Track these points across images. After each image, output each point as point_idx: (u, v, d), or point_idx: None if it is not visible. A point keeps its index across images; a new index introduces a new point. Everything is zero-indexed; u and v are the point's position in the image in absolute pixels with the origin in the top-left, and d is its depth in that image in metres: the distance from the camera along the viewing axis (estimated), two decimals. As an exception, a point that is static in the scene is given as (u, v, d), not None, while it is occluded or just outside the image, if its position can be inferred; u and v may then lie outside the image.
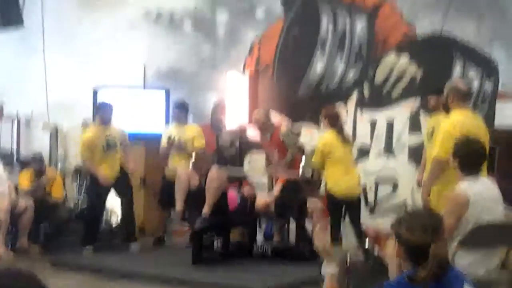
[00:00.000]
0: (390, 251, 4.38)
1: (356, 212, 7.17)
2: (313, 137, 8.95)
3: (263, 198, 7.60)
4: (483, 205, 4.54)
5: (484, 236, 4.65)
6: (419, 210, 4.01)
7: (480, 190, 4.59)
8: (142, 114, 9.62)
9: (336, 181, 7.08)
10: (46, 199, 8.50)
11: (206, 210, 7.27)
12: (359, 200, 7.33)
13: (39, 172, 8.60)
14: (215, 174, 7.42)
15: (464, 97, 5.95)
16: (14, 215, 8.02)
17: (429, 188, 5.64)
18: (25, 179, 8.61)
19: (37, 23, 10.75)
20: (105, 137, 8.24)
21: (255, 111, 8.26)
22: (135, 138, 9.17)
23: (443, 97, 6.24)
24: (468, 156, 4.67)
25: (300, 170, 7.70)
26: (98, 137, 8.21)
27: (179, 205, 7.90)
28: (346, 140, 7.27)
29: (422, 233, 2.74)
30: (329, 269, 3.03)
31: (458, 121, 5.73)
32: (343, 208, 7.10)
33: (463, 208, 4.46)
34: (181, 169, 8.09)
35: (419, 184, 7.64)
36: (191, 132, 8.61)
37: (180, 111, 8.75)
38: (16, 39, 10.77)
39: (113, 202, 8.52)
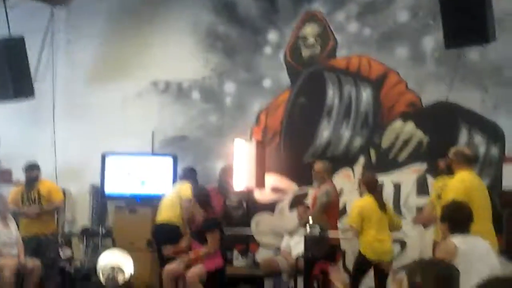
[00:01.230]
0: None
1: (384, 275, 7.33)
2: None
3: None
4: (474, 256, 4.61)
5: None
6: (433, 259, 4.02)
7: (470, 242, 4.72)
8: (150, 178, 9.74)
9: (371, 244, 7.33)
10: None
11: None
12: (390, 264, 7.47)
13: (31, 182, 8.66)
14: None
15: (468, 161, 6.14)
16: (21, 275, 7.98)
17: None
18: (14, 194, 8.77)
19: (47, 93, 11.02)
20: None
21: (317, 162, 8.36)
22: (143, 201, 9.23)
23: (447, 159, 6.41)
24: (457, 219, 4.83)
25: (308, 229, 7.72)
26: None
27: None
28: (383, 206, 7.53)
29: (435, 284, 2.74)
30: None
31: (465, 179, 5.89)
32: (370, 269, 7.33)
33: (452, 255, 4.54)
34: None
35: (415, 222, 7.75)
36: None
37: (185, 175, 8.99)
38: (27, 109, 10.96)
39: (121, 260, 8.48)
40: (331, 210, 7.93)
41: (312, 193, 8.44)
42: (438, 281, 2.69)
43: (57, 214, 9.15)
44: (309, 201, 8.70)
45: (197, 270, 7.36)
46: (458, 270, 2.86)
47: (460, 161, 6.05)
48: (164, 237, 8.38)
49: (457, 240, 4.68)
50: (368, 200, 7.48)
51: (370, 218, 7.35)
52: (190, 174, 9.03)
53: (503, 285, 2.48)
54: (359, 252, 7.48)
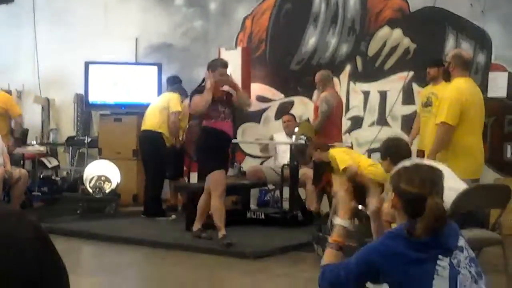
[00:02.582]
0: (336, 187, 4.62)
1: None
2: (307, 108, 9.03)
3: None
4: None
5: (474, 199, 4.74)
6: (419, 163, 4.02)
7: None
8: (134, 87, 9.65)
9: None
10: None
11: None
12: None
13: None
14: None
15: (465, 65, 6.00)
16: (8, 184, 8.00)
17: (435, 153, 5.67)
18: None
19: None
20: None
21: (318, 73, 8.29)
22: (128, 109, 9.18)
23: (445, 65, 6.30)
24: (397, 156, 4.84)
25: (294, 138, 7.75)
26: None
27: None
28: None
29: (420, 185, 2.74)
30: (341, 222, 3.04)
31: (463, 88, 5.78)
32: None
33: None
34: None
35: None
36: None
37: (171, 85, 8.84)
38: (6, 14, 10.71)
39: (107, 170, 8.53)
40: (333, 118, 7.91)
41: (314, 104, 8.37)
42: (423, 184, 2.71)
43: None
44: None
45: None
46: (441, 171, 2.89)
47: (458, 64, 5.89)
48: (147, 144, 8.36)
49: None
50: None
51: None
52: (175, 83, 8.87)
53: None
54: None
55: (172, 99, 8.42)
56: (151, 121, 8.34)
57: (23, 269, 1.00)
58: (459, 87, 5.77)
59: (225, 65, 6.63)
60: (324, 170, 6.62)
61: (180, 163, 8.72)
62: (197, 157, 7.21)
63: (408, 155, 5.08)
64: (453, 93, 5.76)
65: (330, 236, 3.04)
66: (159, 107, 8.36)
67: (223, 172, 6.49)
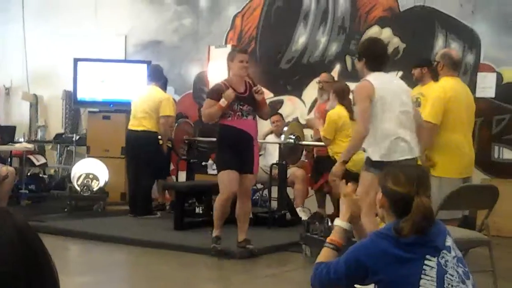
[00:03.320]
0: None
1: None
2: (295, 107, 9.02)
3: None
4: (391, 90, 4.82)
5: (461, 200, 4.75)
6: (405, 164, 4.03)
7: (386, 79, 4.95)
8: (123, 85, 9.59)
9: None
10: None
11: None
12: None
13: None
14: None
15: (454, 65, 5.98)
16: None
17: (422, 152, 5.64)
18: None
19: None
20: None
21: (322, 74, 8.17)
22: (117, 107, 9.14)
23: (431, 65, 6.30)
24: (373, 54, 4.91)
25: (283, 137, 7.74)
26: None
27: None
28: (352, 115, 7.16)
29: (407, 184, 2.74)
30: (342, 224, 3.03)
31: (448, 87, 5.76)
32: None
33: (370, 91, 4.72)
34: None
35: None
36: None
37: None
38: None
39: (95, 168, 8.49)
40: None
41: (317, 105, 8.23)
42: (410, 183, 2.71)
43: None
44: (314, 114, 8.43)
45: None
46: (427, 171, 2.90)
47: (447, 64, 5.88)
48: (143, 145, 8.15)
49: (373, 77, 4.81)
50: (339, 110, 7.31)
51: (343, 128, 7.25)
52: (157, 74, 8.63)
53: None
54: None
55: (164, 101, 8.15)
56: (147, 120, 8.13)
57: (5, 272, 0.98)
58: (444, 86, 5.77)
59: (244, 51, 6.25)
60: (326, 167, 6.40)
61: (168, 162, 8.68)
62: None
63: (384, 53, 5.04)
64: (437, 91, 5.77)
65: (330, 236, 3.04)
66: (151, 107, 8.13)
67: (231, 173, 5.94)
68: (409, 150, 4.74)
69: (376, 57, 4.91)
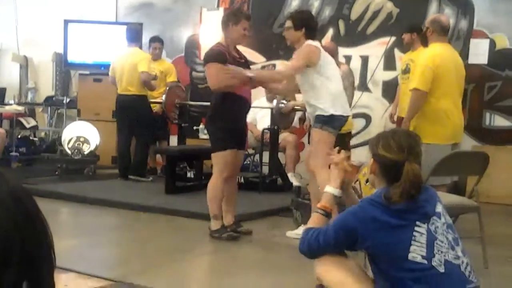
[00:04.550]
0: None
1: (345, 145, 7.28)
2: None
3: None
4: (328, 59, 5.23)
5: (453, 166, 4.76)
6: (397, 130, 4.02)
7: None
8: (114, 47, 9.49)
9: None
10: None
11: None
12: (349, 135, 7.56)
13: None
14: None
15: (443, 30, 5.92)
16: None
17: (409, 120, 5.65)
18: None
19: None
20: None
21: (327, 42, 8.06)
22: (108, 70, 9.04)
23: (422, 31, 6.26)
24: (313, 27, 5.30)
25: (275, 102, 7.72)
26: None
27: None
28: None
29: (397, 151, 2.74)
30: (332, 190, 3.04)
31: (436, 54, 5.71)
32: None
33: (314, 53, 5.12)
34: None
35: (391, 117, 7.76)
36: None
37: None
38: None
39: (85, 131, 8.46)
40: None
41: None
42: (401, 149, 2.71)
43: None
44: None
45: None
46: (419, 137, 2.91)
47: (436, 29, 5.83)
48: (134, 108, 8.10)
49: (315, 43, 5.21)
50: None
51: None
52: (137, 35, 8.53)
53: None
54: None
55: (142, 60, 8.06)
56: (133, 84, 8.06)
57: None
58: (432, 53, 5.72)
59: (249, 17, 5.49)
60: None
61: (165, 123, 8.66)
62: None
63: (316, 25, 5.43)
64: (425, 58, 5.72)
65: (320, 202, 3.06)
66: (136, 69, 8.06)
67: (235, 152, 5.41)
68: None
69: (314, 28, 5.33)
